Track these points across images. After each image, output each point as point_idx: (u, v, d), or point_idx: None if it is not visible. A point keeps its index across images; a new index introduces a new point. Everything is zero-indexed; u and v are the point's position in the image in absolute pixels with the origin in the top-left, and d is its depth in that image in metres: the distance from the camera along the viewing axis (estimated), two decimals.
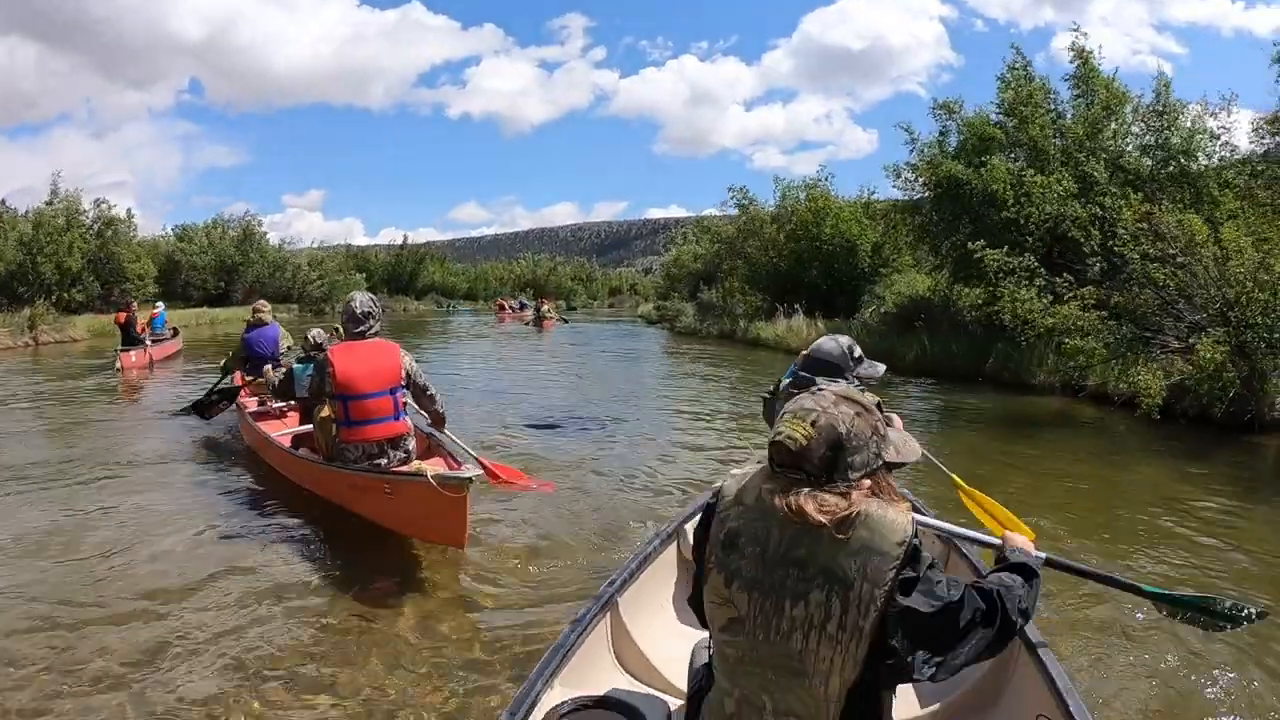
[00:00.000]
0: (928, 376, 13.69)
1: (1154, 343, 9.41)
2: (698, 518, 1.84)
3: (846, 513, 1.41)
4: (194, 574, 4.13)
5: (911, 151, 16.64)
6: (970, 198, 14.63)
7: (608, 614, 2.50)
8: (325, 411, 4.76)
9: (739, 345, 21.31)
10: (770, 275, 24.02)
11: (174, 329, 18.49)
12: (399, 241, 63.74)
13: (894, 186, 16.98)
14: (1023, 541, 1.92)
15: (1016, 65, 15.43)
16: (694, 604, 1.69)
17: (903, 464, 1.65)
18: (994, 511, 3.42)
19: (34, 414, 9.59)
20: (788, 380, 3.10)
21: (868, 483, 1.47)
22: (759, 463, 1.60)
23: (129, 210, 32.25)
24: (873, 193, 23.30)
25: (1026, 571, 1.70)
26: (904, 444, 1.68)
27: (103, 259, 29.23)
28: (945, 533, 2.45)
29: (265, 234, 42.67)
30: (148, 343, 15.40)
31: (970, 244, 12.24)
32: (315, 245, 49.72)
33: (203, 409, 7.68)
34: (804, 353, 3.11)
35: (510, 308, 40.92)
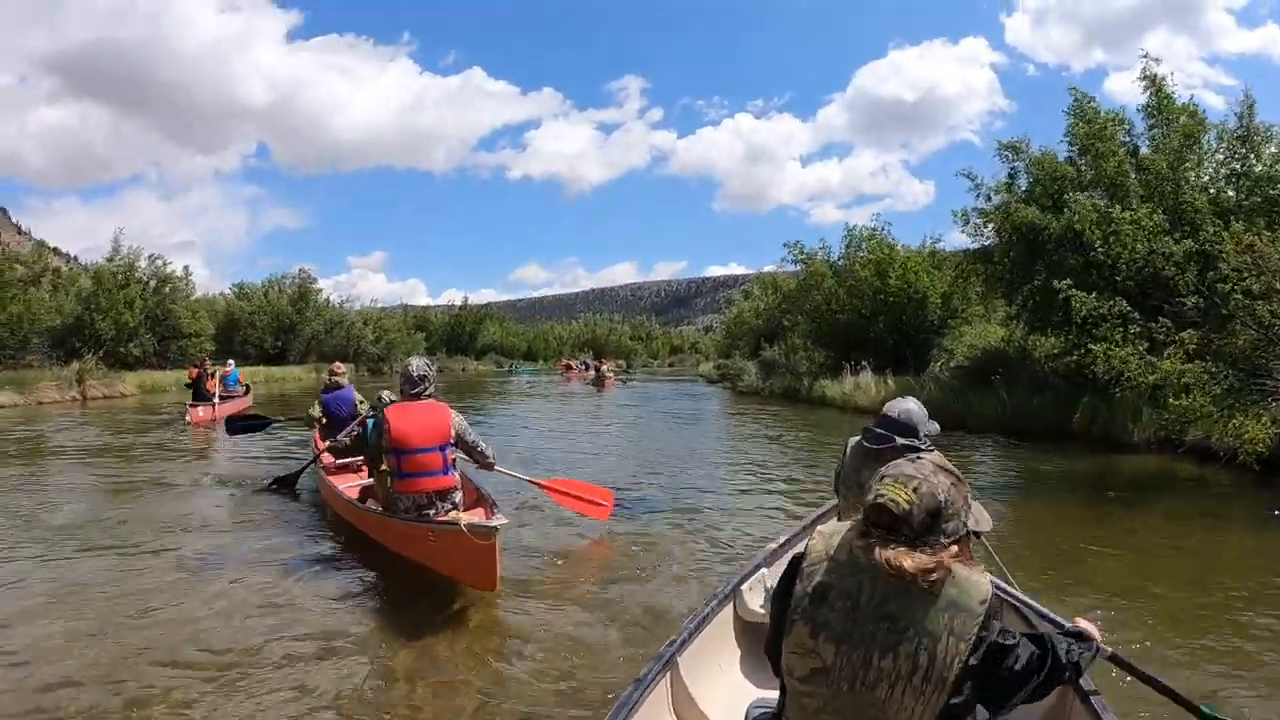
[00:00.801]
0: (1007, 434, 12.81)
1: (1261, 388, 8.48)
2: (760, 574, 2.28)
3: (941, 570, 1.50)
4: (258, 622, 4.26)
5: (977, 197, 16.01)
6: (1045, 242, 13.87)
7: (668, 674, 2.53)
8: (384, 465, 5.28)
9: (803, 405, 20.54)
10: (834, 330, 23.29)
11: (246, 386, 18.94)
12: (459, 302, 64.24)
13: (962, 232, 16.29)
14: (1090, 628, 1.96)
15: (1082, 99, 14.76)
16: (770, 653, 1.74)
17: (980, 532, 1.72)
18: None
19: (116, 467, 9.74)
20: (859, 440, 3.28)
21: (955, 548, 1.55)
22: (841, 521, 1.81)
23: (186, 268, 32.85)
24: (937, 240, 22.55)
25: (1085, 639, 1.86)
26: (981, 514, 1.73)
27: (159, 315, 29.82)
28: (1017, 600, 2.69)
29: (320, 292, 43.29)
30: (216, 399, 15.71)
31: (1055, 282, 11.45)
32: (373, 304, 50.14)
33: (288, 483, 7.82)
34: (883, 411, 3.27)
35: (575, 367, 40.72)
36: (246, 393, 18.44)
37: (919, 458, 1.65)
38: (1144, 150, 14.01)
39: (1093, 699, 2.13)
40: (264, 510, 7.06)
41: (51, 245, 30.67)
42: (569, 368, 40.44)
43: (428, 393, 5.15)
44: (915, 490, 1.55)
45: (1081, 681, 2.10)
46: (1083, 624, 1.97)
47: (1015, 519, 7.20)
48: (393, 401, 5.87)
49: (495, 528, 4.36)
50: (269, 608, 4.46)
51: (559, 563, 5.51)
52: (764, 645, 1.80)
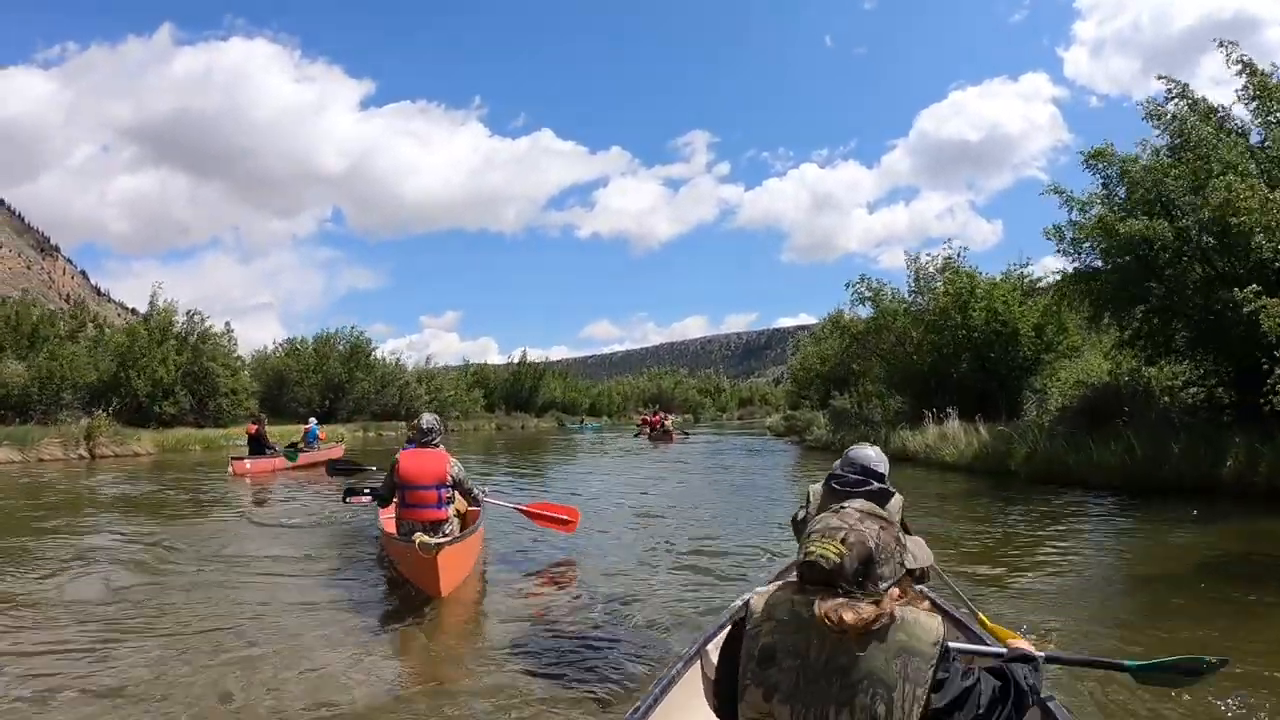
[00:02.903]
0: (1134, 490, 10.35)
1: None
2: (719, 637, 2.47)
3: (884, 618, 1.49)
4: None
5: (1070, 212, 13.72)
6: (1159, 255, 11.55)
7: None
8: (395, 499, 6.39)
9: None
10: (910, 373, 20.73)
11: (337, 440, 21.09)
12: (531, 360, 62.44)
13: (1058, 251, 13.88)
14: (1026, 646, 2.23)
15: (1173, 91, 12.73)
16: (719, 712, 1.74)
17: (922, 569, 2.00)
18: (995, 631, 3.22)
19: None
20: (827, 483, 3.33)
21: (896, 591, 1.56)
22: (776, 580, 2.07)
23: (227, 323, 32.29)
24: (1025, 265, 19.89)
25: (1029, 658, 2.02)
26: (920, 550, 2.01)
27: (196, 373, 28.95)
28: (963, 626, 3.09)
29: (375, 350, 42.43)
30: (274, 452, 16.88)
31: (1238, 290, 9.24)
32: (428, 363, 50.19)
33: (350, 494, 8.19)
34: (848, 455, 3.45)
35: (650, 422, 37.63)
36: (340, 443, 20.75)
37: (842, 507, 1.66)
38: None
39: (1050, 704, 2.16)
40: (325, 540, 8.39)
41: (130, 307, 29.81)
42: (645, 422, 37.16)
43: (435, 441, 6.37)
44: (844, 541, 1.54)
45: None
46: (1019, 644, 2.26)
47: (1165, 632, 4.81)
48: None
49: (438, 545, 5.55)
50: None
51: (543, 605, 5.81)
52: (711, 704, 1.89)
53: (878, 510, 1.65)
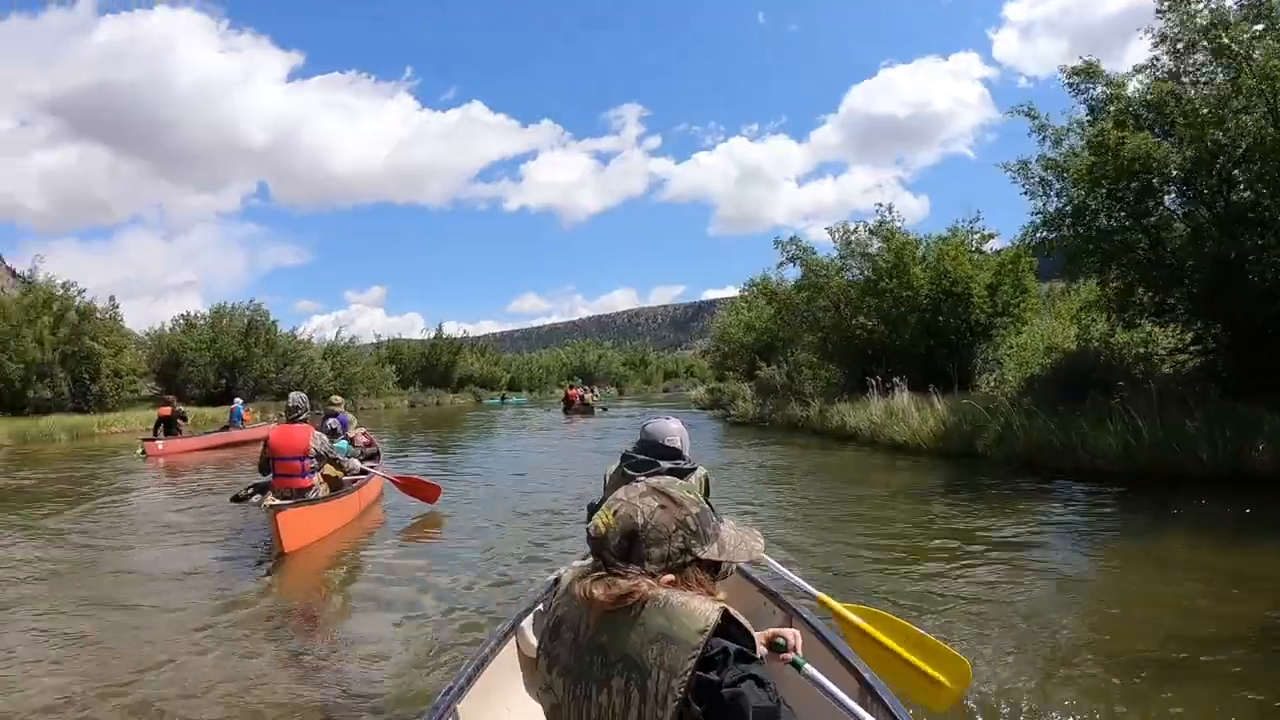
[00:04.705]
0: (1140, 480, 8.06)
1: None
2: (534, 611, 2.60)
3: (623, 592, 1.35)
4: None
5: (1042, 141, 11.43)
6: (1161, 186, 9.33)
7: None
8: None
9: (814, 438, 15.48)
10: (848, 341, 18.36)
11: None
12: (459, 334, 58.18)
13: (1024, 193, 11.52)
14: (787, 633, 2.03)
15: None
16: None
17: (728, 564, 1.55)
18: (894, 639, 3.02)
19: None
20: (619, 467, 3.17)
21: (669, 577, 1.41)
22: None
23: (111, 298, 28.44)
24: (976, 219, 17.62)
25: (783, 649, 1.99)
26: (736, 544, 1.54)
27: (76, 353, 25.10)
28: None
29: (274, 324, 38.41)
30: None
31: None
32: (340, 340, 45.35)
33: (238, 500, 8.38)
34: (645, 432, 3.21)
35: (569, 396, 34.62)
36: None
37: (637, 481, 1.56)
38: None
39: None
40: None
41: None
42: (566, 396, 34.05)
43: (302, 418, 7.30)
44: (615, 514, 1.45)
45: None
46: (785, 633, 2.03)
47: None
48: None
49: (279, 506, 6.54)
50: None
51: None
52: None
53: (669, 488, 1.49)
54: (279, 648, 4.34)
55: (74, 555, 6.77)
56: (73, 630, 4.64)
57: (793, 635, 2.01)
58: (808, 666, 1.98)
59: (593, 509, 2.99)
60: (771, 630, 2.01)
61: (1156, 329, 11.41)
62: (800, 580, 3.38)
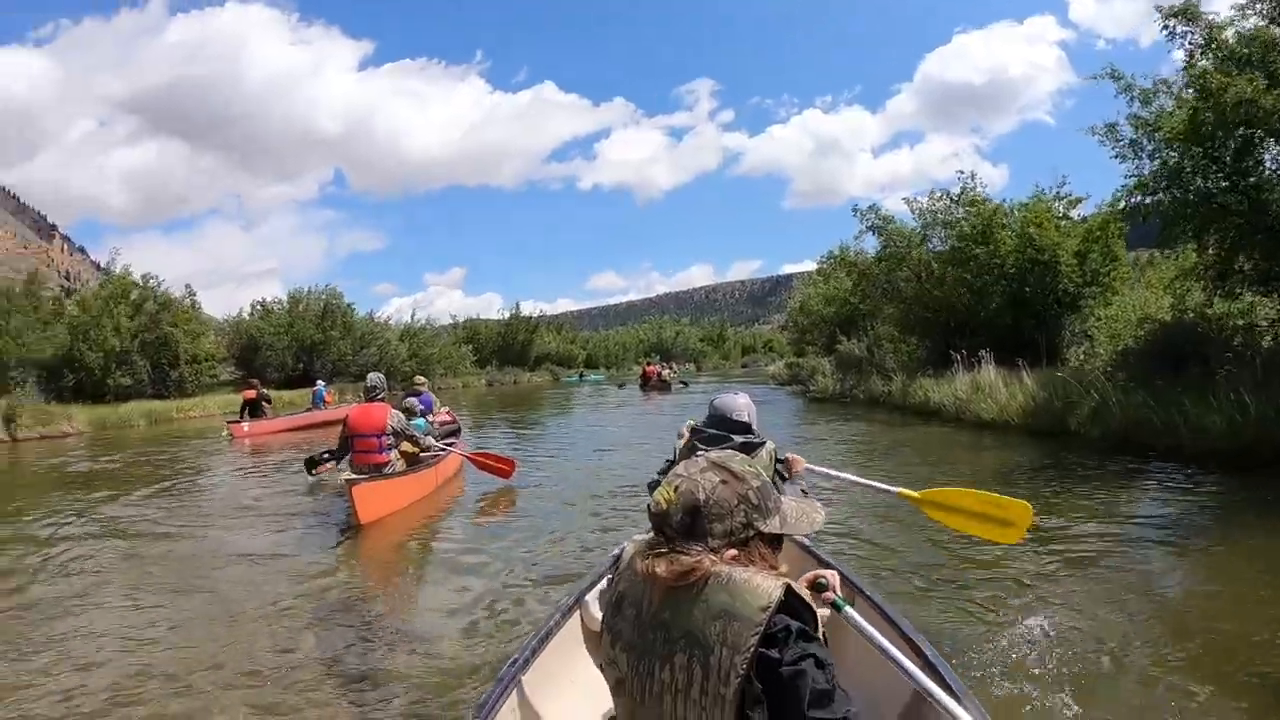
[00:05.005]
0: (1245, 464, 7.61)
1: None
2: (599, 586, 2.61)
3: (685, 569, 1.37)
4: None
5: (1130, 101, 10.88)
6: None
7: (512, 693, 2.34)
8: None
9: (896, 414, 15.28)
10: (931, 313, 17.97)
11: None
12: (537, 313, 58.90)
13: (1112, 155, 11.02)
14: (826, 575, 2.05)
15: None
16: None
17: (789, 535, 1.57)
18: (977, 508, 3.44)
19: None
20: (690, 441, 3.24)
21: (732, 552, 1.42)
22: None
23: (188, 287, 29.73)
24: (1063, 184, 16.94)
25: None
26: (798, 516, 1.55)
27: (154, 341, 26.19)
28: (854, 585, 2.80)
29: (350, 307, 39.45)
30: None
31: None
32: (415, 321, 46.30)
33: (311, 465, 8.97)
34: (714, 407, 3.30)
35: (647, 373, 34.88)
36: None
37: (696, 456, 1.54)
38: None
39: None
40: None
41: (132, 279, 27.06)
42: (645, 373, 34.30)
43: (380, 397, 7.73)
44: (676, 490, 1.45)
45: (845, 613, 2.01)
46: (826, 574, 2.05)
47: None
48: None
49: (355, 480, 6.82)
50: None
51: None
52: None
53: (729, 462, 1.50)
54: (353, 617, 4.55)
55: (159, 533, 6.99)
56: (162, 607, 4.83)
57: (833, 575, 2.06)
58: (848, 608, 2.02)
59: (653, 485, 3.04)
60: (813, 572, 2.06)
61: (1260, 298, 10.79)
62: (876, 482, 3.89)
